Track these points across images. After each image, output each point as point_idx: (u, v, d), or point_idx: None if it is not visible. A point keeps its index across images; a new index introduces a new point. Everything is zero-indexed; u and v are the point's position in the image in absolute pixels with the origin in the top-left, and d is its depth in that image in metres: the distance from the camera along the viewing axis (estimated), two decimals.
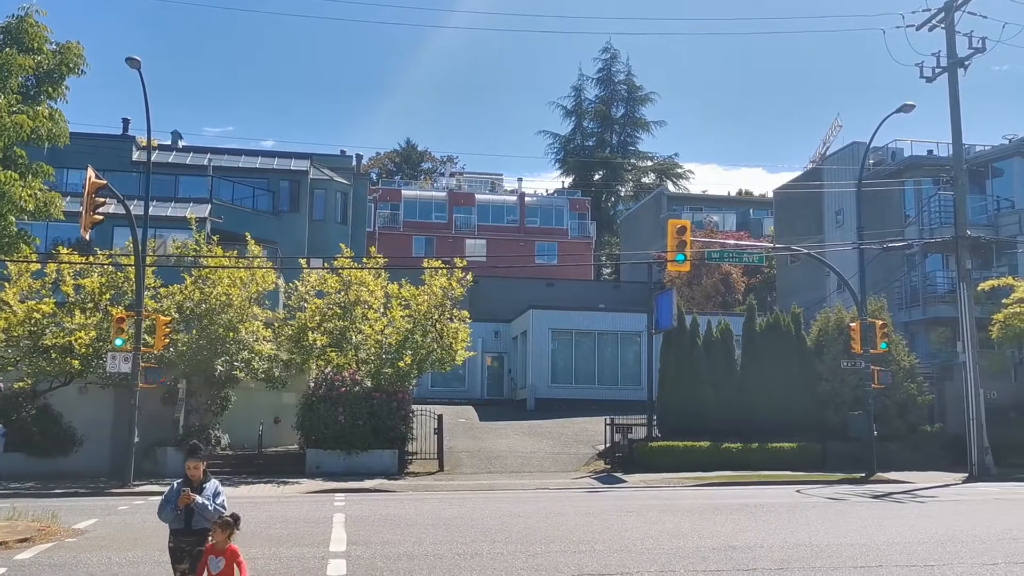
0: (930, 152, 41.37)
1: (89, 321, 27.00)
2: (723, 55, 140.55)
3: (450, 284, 29.75)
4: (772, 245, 42.95)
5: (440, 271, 30.35)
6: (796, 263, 46.07)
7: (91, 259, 28.46)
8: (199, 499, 8.15)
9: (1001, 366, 33.92)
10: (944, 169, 35.07)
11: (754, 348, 32.21)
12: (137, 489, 23.15)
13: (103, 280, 28.12)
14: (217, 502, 8.26)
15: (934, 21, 29.70)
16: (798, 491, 22.89)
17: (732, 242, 38.44)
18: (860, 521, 16.23)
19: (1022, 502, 20.54)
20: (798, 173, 64.05)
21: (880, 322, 28.82)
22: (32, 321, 26.68)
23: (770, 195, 60.46)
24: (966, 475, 27.48)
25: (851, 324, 29.03)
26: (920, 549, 12.86)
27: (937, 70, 29.69)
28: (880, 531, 14.73)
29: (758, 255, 32.90)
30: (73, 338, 26.46)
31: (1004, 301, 32.11)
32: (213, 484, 8.41)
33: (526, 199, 73.42)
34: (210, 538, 7.91)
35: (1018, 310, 31.32)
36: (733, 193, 79.40)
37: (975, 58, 29.26)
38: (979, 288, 31.71)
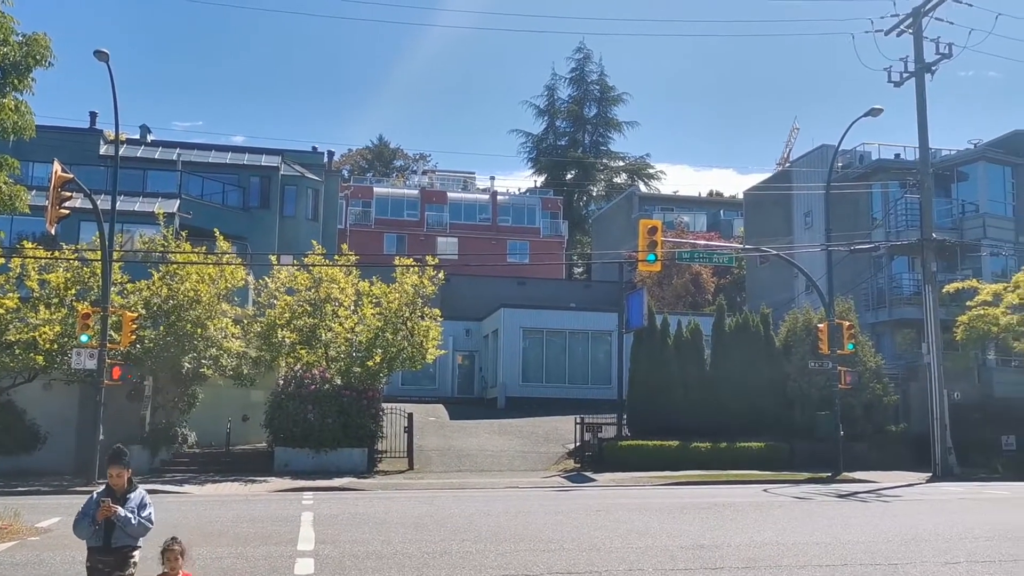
0: (897, 156, 41.89)
1: (54, 317, 26.64)
2: (694, 57, 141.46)
3: (421, 282, 29.67)
4: (742, 246, 43.25)
5: (411, 269, 30.28)
6: (765, 264, 46.44)
7: (56, 254, 28.07)
8: (121, 512, 7.13)
9: (965, 367, 34.43)
10: (911, 173, 35.56)
11: (723, 348, 32.45)
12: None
13: (69, 275, 27.73)
14: (143, 515, 7.29)
15: (903, 26, 30.09)
16: (765, 490, 23.08)
17: (702, 243, 38.68)
18: (826, 520, 16.39)
19: (984, 502, 20.85)
20: (768, 175, 64.53)
21: (847, 323, 29.16)
22: None
23: (740, 196, 60.94)
24: (930, 475, 27.88)
25: (819, 325, 29.33)
26: (884, 548, 13.01)
27: (905, 75, 30.08)
28: (845, 530, 14.89)
29: (728, 256, 33.15)
30: (37, 334, 26.09)
31: (968, 303, 32.58)
32: (139, 494, 7.42)
33: (498, 197, 73.40)
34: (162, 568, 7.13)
35: (982, 312, 31.80)
36: (704, 194, 79.88)
37: (942, 63, 29.74)
38: (944, 290, 32.17)
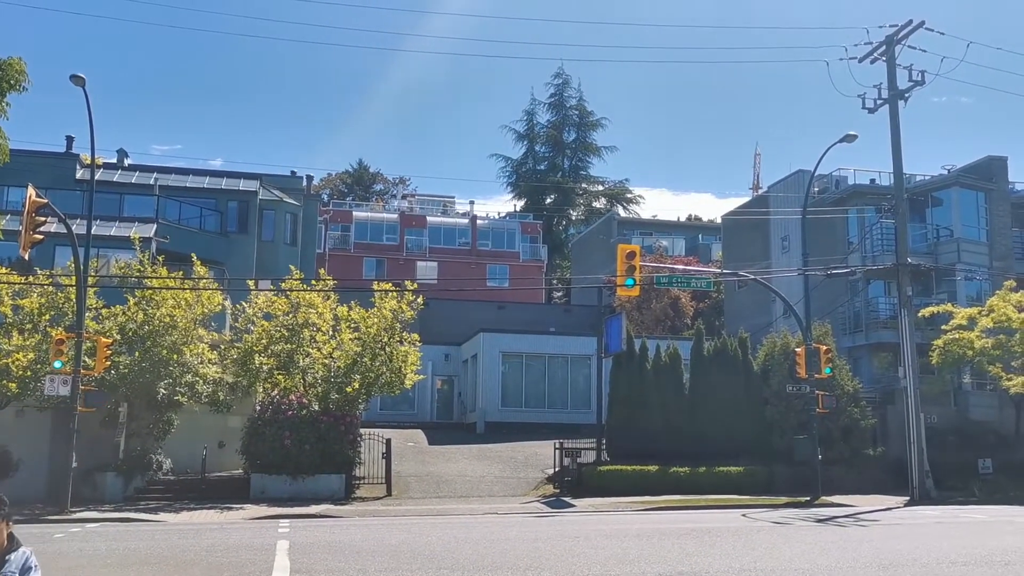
0: (872, 181, 42.34)
1: (27, 343, 26.33)
2: (672, 83, 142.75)
3: (400, 307, 29.57)
4: (720, 270, 43.50)
5: (390, 293, 30.18)
6: (743, 288, 46.64)
7: (31, 279, 27.79)
8: None
9: (941, 391, 34.66)
10: (886, 197, 35.94)
11: (702, 372, 32.50)
12: (74, 516, 22.55)
13: (43, 300, 27.45)
14: None
15: (876, 54, 30.50)
16: (744, 515, 23.04)
17: (681, 267, 38.83)
18: (804, 545, 16.37)
19: (962, 526, 20.91)
20: (746, 199, 65.10)
21: (824, 347, 29.27)
22: None
23: (718, 220, 61.33)
24: (908, 498, 27.94)
25: (796, 349, 29.42)
26: (862, 573, 13.00)
27: (879, 101, 30.46)
28: (823, 555, 14.88)
29: (706, 280, 33.28)
30: (10, 360, 25.77)
31: (943, 327, 32.83)
32: (22, 555, 5.95)
33: (478, 222, 73.52)
34: None
35: (957, 336, 32.05)
36: (682, 218, 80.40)
37: (915, 90, 30.12)
38: (919, 314, 32.41)
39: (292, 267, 33.32)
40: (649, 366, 32.45)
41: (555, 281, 74.61)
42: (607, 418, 31.52)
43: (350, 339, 29.25)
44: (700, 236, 69.01)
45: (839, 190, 42.60)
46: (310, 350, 29.20)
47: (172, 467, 28.55)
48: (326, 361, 29.19)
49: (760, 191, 74.40)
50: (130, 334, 27.61)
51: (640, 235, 63.60)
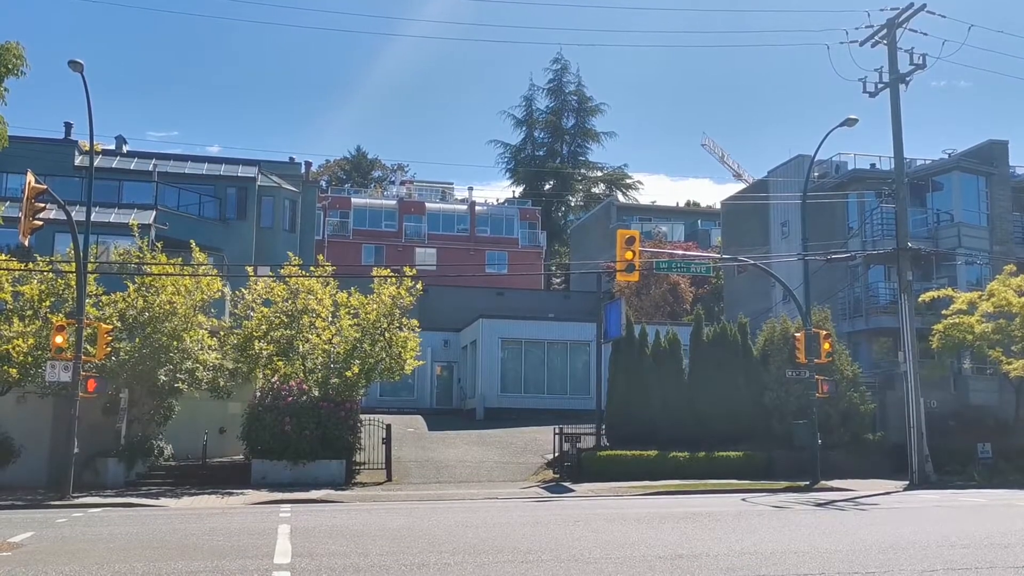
0: (873, 166, 42.28)
1: (28, 329, 26.34)
2: (671, 68, 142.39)
3: (399, 293, 29.58)
4: (719, 256, 43.46)
5: (389, 280, 30.18)
6: (743, 274, 46.64)
7: (30, 265, 27.78)
8: None
9: (941, 376, 34.71)
10: (886, 182, 35.92)
11: (701, 358, 32.53)
12: (76, 501, 22.61)
13: (43, 287, 27.45)
14: None
15: (877, 37, 30.40)
16: (744, 499, 23.12)
17: (680, 252, 38.85)
18: (804, 529, 16.42)
19: (961, 509, 20.99)
20: (744, 184, 65.03)
21: (824, 332, 29.28)
22: None
23: (717, 206, 61.30)
24: (907, 483, 28.03)
25: (796, 334, 29.44)
26: (861, 556, 13.04)
27: (880, 85, 30.38)
28: (823, 538, 14.92)
29: (705, 265, 33.26)
30: (11, 346, 25.78)
31: (943, 312, 32.85)
32: None
33: (476, 208, 73.45)
34: None
35: (957, 321, 32.07)
36: (681, 204, 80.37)
37: (916, 74, 30.04)
38: (920, 299, 32.43)
39: (291, 253, 33.27)
40: (648, 352, 32.49)
41: (554, 267, 74.60)
42: (606, 404, 31.56)
43: (349, 325, 29.27)
44: (699, 222, 69.00)
45: (839, 175, 42.53)
46: (309, 336, 29.22)
47: (173, 453, 28.60)
48: (326, 347, 29.22)
49: (746, 178, 74.39)
50: (130, 320, 27.61)
51: (639, 221, 63.62)
